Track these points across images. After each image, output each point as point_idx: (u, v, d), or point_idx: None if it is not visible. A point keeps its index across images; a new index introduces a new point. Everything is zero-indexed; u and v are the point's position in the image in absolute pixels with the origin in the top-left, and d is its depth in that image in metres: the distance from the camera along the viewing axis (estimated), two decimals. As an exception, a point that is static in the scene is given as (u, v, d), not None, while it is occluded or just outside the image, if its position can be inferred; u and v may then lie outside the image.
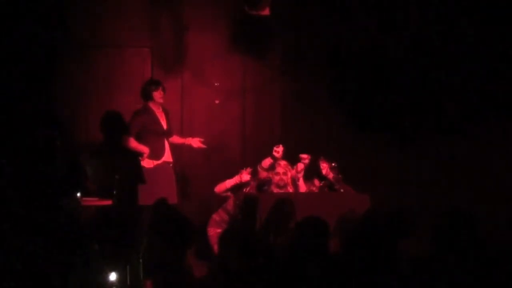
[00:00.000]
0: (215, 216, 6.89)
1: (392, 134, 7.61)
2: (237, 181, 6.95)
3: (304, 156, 7.06)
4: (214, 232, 6.73)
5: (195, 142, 7.12)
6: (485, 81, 7.34)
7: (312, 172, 7.15)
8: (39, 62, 7.04)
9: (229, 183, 6.97)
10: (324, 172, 7.03)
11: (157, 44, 7.77)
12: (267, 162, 6.99)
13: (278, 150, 6.99)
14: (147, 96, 6.83)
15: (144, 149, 6.65)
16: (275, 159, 6.98)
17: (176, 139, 7.10)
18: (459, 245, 4.10)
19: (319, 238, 4.24)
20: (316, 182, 7.11)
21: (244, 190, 6.82)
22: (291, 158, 7.13)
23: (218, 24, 7.84)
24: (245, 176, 6.95)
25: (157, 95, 6.81)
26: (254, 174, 7.07)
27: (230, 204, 6.85)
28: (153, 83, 6.89)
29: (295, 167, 7.06)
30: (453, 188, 7.30)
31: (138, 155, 6.66)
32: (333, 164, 7.04)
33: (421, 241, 4.66)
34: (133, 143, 6.63)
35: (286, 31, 7.92)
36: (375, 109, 7.67)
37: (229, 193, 6.97)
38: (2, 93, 6.67)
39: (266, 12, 7.18)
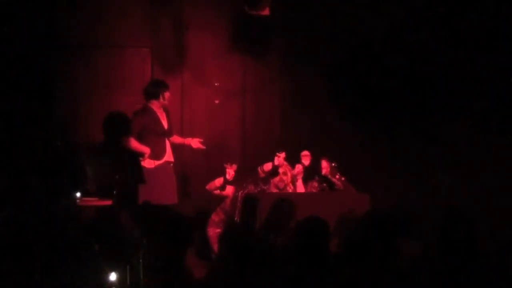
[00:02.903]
0: (214, 217, 6.91)
1: (393, 134, 7.61)
2: (228, 178, 6.95)
3: (305, 153, 7.06)
4: (213, 232, 6.74)
5: (195, 143, 7.11)
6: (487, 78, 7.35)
7: (312, 172, 7.15)
8: (39, 62, 7.04)
9: (219, 181, 6.98)
10: (324, 171, 7.03)
11: (157, 44, 7.77)
12: (268, 166, 7.00)
13: (280, 156, 6.98)
14: (154, 96, 6.79)
15: (145, 150, 6.64)
16: (275, 167, 6.98)
17: (176, 139, 7.09)
18: (460, 245, 4.11)
19: (319, 238, 4.25)
20: (315, 183, 7.10)
21: (241, 192, 6.82)
22: (291, 158, 7.13)
23: (218, 24, 7.85)
24: (230, 172, 6.95)
25: (167, 95, 6.82)
26: (252, 176, 7.09)
27: (227, 204, 6.87)
28: (164, 84, 6.86)
29: (295, 167, 7.07)
30: (453, 188, 7.30)
31: (138, 155, 6.65)
32: (333, 164, 7.05)
33: (421, 241, 4.66)
34: (134, 144, 6.62)
35: (286, 31, 7.93)
36: (375, 109, 7.67)
37: (218, 191, 6.98)
38: (2, 94, 6.67)
39: (266, 12, 7.18)
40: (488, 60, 7.32)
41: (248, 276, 3.87)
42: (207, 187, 7.06)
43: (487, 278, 3.96)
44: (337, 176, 6.99)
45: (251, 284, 3.88)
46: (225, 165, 6.97)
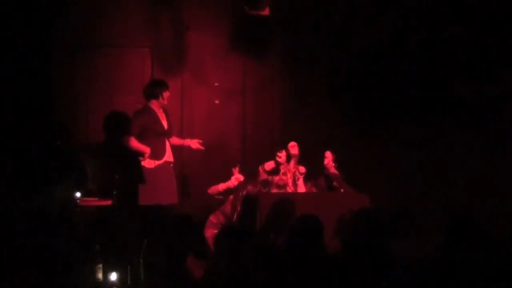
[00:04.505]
0: (212, 218, 6.90)
1: (393, 134, 7.61)
2: (230, 185, 6.94)
3: (292, 144, 7.05)
4: (211, 233, 6.73)
5: (194, 144, 7.10)
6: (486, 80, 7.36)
7: (317, 169, 7.15)
8: (39, 62, 7.04)
9: (222, 186, 6.97)
10: (325, 162, 7.03)
11: (157, 44, 7.77)
12: (270, 165, 7.00)
13: (281, 155, 6.99)
14: (154, 96, 6.79)
15: (145, 149, 6.64)
16: (278, 164, 6.98)
17: (175, 140, 7.08)
18: (461, 245, 4.11)
19: (312, 236, 4.26)
20: (321, 181, 7.11)
21: (241, 195, 6.81)
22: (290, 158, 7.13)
23: (218, 24, 7.84)
24: (239, 177, 6.94)
25: (166, 95, 6.82)
26: (252, 175, 7.08)
27: (227, 207, 6.85)
28: (163, 84, 6.86)
29: (292, 164, 7.06)
30: (453, 188, 7.30)
31: (138, 155, 6.66)
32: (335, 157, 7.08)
33: (422, 241, 4.66)
34: (135, 143, 6.62)
35: (286, 31, 7.93)
36: (375, 108, 7.67)
37: (221, 196, 6.97)
38: (2, 94, 6.68)
39: (266, 12, 7.19)
40: (487, 63, 7.34)
41: (246, 277, 3.87)
42: (210, 191, 7.04)
43: (487, 278, 3.97)
44: (339, 176, 7.00)
45: (250, 285, 3.88)
46: (233, 170, 6.97)
